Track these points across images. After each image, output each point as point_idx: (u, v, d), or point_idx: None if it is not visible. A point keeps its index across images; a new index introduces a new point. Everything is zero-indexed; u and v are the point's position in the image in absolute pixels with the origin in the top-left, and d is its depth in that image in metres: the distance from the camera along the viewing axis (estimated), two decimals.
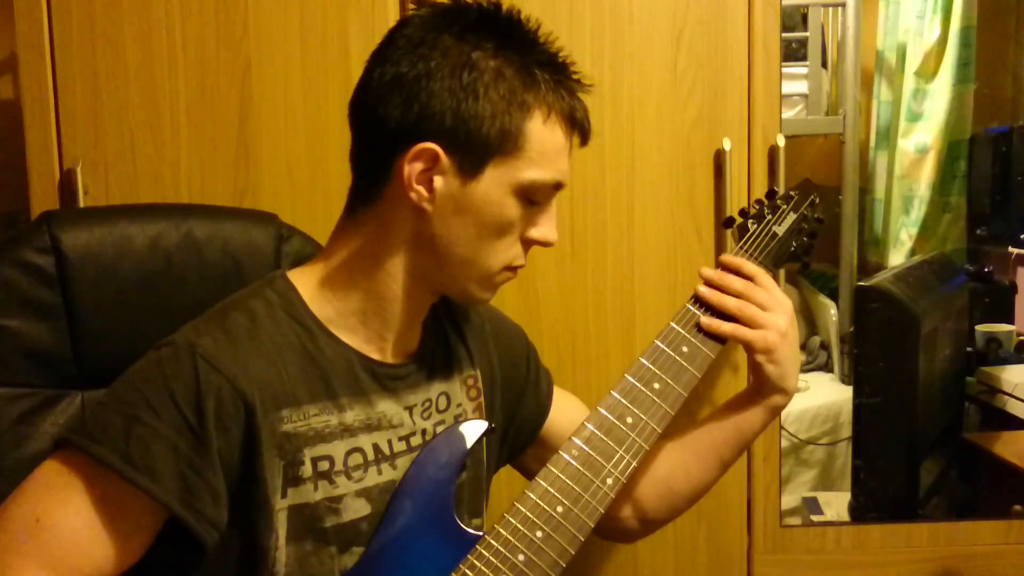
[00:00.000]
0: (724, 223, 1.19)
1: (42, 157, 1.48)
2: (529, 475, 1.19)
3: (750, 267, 1.12)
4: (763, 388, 1.13)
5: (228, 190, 1.51)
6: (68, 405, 1.09)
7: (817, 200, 1.21)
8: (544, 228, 1.01)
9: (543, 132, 0.95)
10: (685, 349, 1.09)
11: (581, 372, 1.58)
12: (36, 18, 1.46)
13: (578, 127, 0.99)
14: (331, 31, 1.51)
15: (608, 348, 1.58)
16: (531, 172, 0.96)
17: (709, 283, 1.11)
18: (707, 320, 1.10)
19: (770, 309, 1.10)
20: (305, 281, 1.01)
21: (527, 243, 1.01)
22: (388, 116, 0.95)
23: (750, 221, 1.18)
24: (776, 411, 1.14)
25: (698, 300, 1.12)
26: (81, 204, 1.46)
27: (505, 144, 0.94)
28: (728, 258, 1.13)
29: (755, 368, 1.11)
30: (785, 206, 1.19)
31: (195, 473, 0.89)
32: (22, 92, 1.48)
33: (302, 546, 0.97)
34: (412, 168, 0.95)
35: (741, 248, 1.15)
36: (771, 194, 1.21)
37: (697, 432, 1.17)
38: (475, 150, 0.94)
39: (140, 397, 0.90)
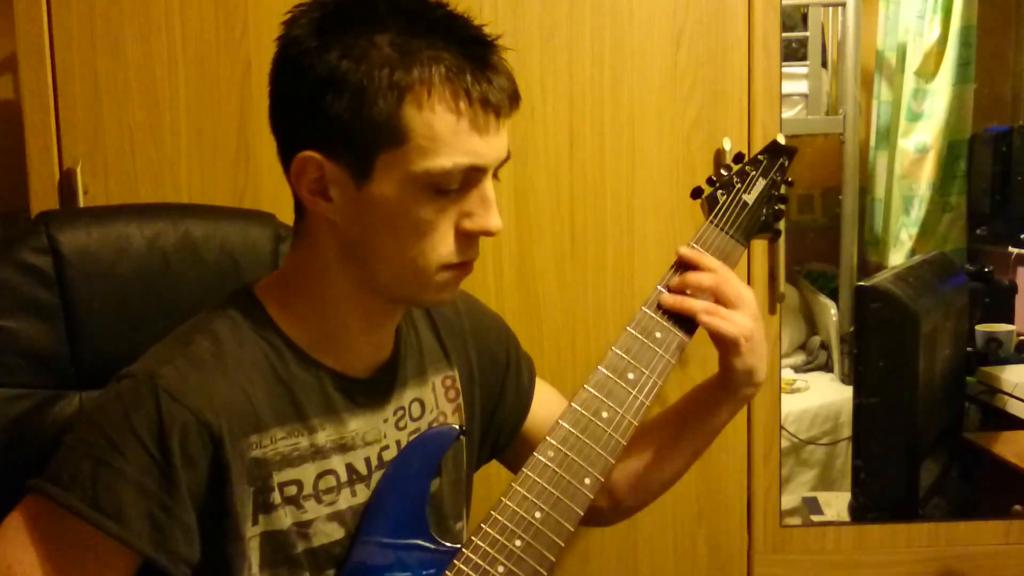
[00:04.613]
0: (692, 193, 1.14)
1: (42, 157, 1.48)
2: (514, 469, 1.15)
3: (708, 260, 1.06)
4: (733, 383, 1.07)
5: (228, 190, 1.51)
6: (66, 406, 1.09)
7: (786, 163, 1.14)
8: (479, 218, 0.90)
9: (426, 116, 0.85)
10: (658, 335, 1.03)
11: (581, 372, 1.57)
12: (36, 18, 1.46)
13: (479, 103, 0.86)
14: None
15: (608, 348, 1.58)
16: (425, 161, 0.86)
17: (668, 288, 1.05)
18: (669, 298, 1.03)
19: (734, 306, 1.04)
20: (271, 297, 0.97)
21: (466, 235, 0.91)
22: (277, 130, 0.93)
23: (719, 192, 1.11)
24: (745, 400, 1.10)
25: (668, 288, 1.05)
26: (81, 204, 1.46)
27: (383, 136, 0.85)
28: (686, 252, 1.06)
29: (723, 362, 1.07)
30: (754, 171, 1.12)
31: (165, 512, 0.87)
32: (22, 92, 1.48)
33: (276, 573, 0.94)
34: (301, 180, 0.90)
35: (711, 223, 1.10)
36: (738, 158, 1.15)
37: (668, 423, 1.14)
38: (355, 149, 0.86)
39: (104, 438, 0.87)
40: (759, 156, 1.14)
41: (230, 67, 1.50)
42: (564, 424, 0.99)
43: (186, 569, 0.89)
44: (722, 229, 1.09)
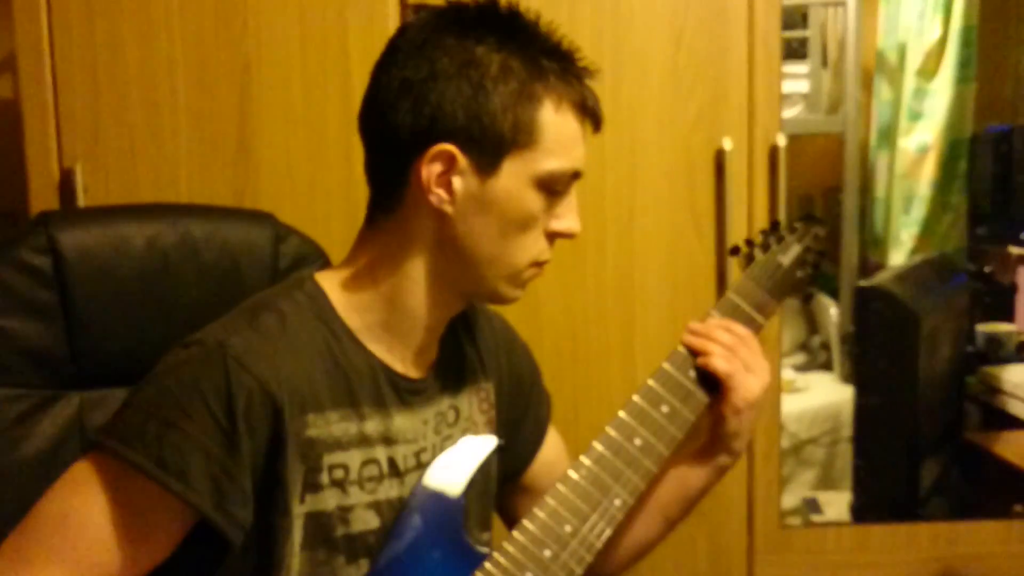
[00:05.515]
0: (730, 251, 1.19)
1: (42, 157, 1.48)
2: (507, 517, 1.19)
3: (739, 328, 1.10)
4: (715, 446, 1.10)
5: (228, 190, 1.51)
6: (66, 406, 1.09)
7: (821, 233, 1.21)
8: (566, 219, 1.01)
9: (556, 121, 0.96)
10: (692, 374, 1.07)
11: (581, 372, 1.58)
12: (36, 18, 1.46)
13: (589, 114, 0.99)
14: (331, 31, 1.51)
15: (608, 348, 1.58)
16: (549, 162, 0.96)
17: (695, 334, 1.08)
18: (703, 359, 1.07)
19: (752, 372, 1.07)
20: (334, 286, 1.00)
21: (551, 236, 1.01)
22: (400, 122, 0.95)
23: (756, 250, 1.18)
24: (722, 472, 1.13)
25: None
26: (81, 204, 1.46)
27: (519, 137, 0.94)
28: (716, 321, 1.10)
29: (716, 422, 1.09)
30: (790, 237, 1.19)
31: (226, 476, 0.89)
32: (22, 92, 1.48)
33: (315, 554, 0.96)
34: (430, 171, 0.94)
35: (748, 276, 1.15)
36: (775, 226, 1.21)
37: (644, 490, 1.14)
38: (491, 146, 0.94)
39: (172, 400, 0.89)
40: (795, 224, 1.21)
41: (230, 67, 1.50)
42: (598, 446, 1.03)
43: (239, 533, 0.91)
44: (757, 283, 1.15)
